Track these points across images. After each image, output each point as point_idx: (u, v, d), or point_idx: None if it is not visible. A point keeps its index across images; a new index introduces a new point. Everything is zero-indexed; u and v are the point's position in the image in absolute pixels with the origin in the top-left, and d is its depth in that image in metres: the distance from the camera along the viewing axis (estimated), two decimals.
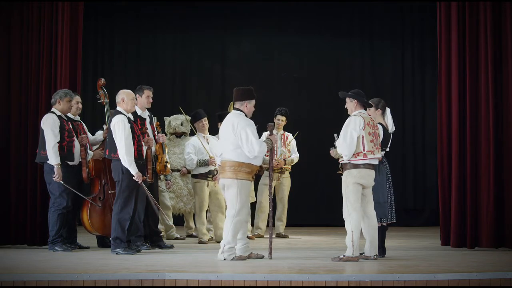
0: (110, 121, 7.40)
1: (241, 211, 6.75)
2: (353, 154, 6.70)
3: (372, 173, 6.80)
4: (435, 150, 8.58)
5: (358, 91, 6.92)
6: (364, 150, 6.69)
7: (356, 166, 6.70)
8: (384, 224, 7.13)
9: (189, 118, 9.28)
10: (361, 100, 6.85)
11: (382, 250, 7.12)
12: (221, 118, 8.32)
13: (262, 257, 6.89)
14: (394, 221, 7.19)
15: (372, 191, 6.92)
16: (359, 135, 6.69)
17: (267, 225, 9.74)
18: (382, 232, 7.12)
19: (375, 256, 6.82)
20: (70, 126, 7.70)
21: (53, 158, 7.49)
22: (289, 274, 5.69)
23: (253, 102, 6.92)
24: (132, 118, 7.45)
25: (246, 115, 6.87)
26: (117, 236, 7.21)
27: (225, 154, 6.79)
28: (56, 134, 7.51)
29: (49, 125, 7.52)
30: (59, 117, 7.62)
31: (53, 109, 7.68)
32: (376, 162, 6.82)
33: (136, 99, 7.70)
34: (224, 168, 6.78)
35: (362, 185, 6.75)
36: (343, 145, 6.72)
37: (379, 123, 7.14)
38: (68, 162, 7.60)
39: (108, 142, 7.37)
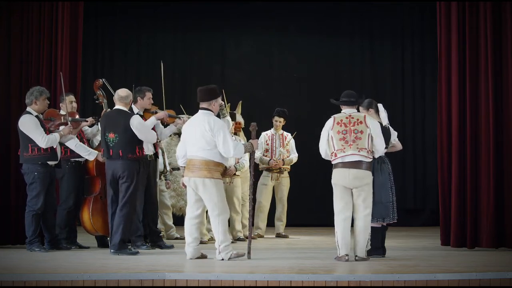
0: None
1: (224, 208, 6.74)
2: (329, 155, 6.78)
3: (351, 173, 6.64)
4: (435, 150, 8.57)
5: (345, 92, 6.93)
6: (334, 150, 6.71)
7: (334, 166, 6.75)
8: (385, 224, 7.12)
9: (191, 117, 9.26)
10: (339, 101, 6.88)
11: (382, 250, 7.11)
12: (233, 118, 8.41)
13: (206, 257, 6.81)
14: (396, 221, 7.18)
15: (375, 191, 6.87)
16: (328, 135, 6.77)
17: (266, 225, 9.84)
18: (382, 232, 7.11)
19: (356, 258, 6.67)
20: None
21: (54, 140, 7.35)
22: (289, 274, 5.68)
23: (219, 100, 6.92)
24: None
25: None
26: (123, 238, 7.10)
27: (198, 153, 6.69)
28: (41, 132, 7.33)
29: (31, 124, 7.35)
30: (36, 117, 7.43)
31: (28, 109, 7.48)
32: (351, 159, 6.63)
33: (137, 101, 7.73)
34: (197, 167, 6.68)
35: (344, 186, 6.70)
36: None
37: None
38: (49, 162, 7.46)
39: (121, 142, 7.13)
